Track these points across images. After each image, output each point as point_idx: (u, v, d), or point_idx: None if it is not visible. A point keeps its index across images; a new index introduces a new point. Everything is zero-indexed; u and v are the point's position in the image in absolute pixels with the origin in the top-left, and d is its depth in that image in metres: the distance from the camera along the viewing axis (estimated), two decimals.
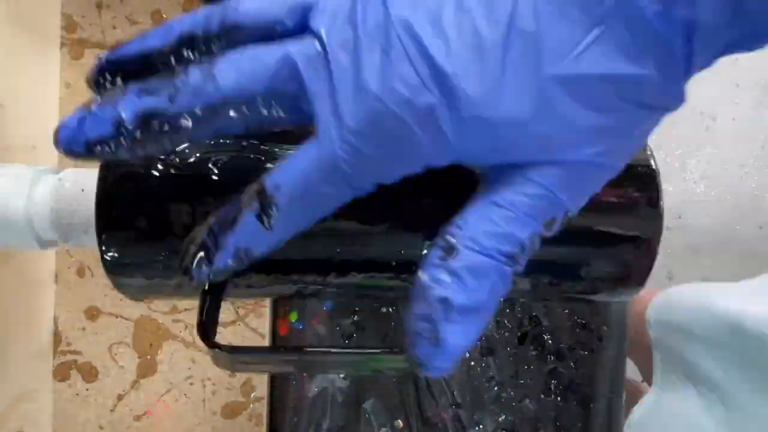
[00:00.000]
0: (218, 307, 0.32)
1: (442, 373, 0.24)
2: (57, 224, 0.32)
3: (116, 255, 0.30)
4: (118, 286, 0.32)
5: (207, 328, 0.31)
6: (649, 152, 0.32)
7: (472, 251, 0.22)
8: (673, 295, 0.49)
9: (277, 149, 0.31)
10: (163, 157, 0.30)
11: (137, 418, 0.52)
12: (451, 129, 0.21)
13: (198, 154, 0.30)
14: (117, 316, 0.51)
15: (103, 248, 0.30)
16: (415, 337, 0.24)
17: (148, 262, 0.31)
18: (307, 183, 0.23)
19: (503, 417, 0.55)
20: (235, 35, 0.24)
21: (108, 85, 0.25)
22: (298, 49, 0.23)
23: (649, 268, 0.31)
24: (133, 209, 0.30)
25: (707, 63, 0.22)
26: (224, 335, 0.51)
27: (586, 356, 0.54)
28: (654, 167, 0.31)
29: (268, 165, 0.30)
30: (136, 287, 0.32)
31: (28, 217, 0.32)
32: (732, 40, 0.21)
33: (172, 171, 0.30)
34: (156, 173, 0.30)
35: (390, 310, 0.55)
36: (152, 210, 0.29)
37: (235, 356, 0.29)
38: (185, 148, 0.31)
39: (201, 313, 0.31)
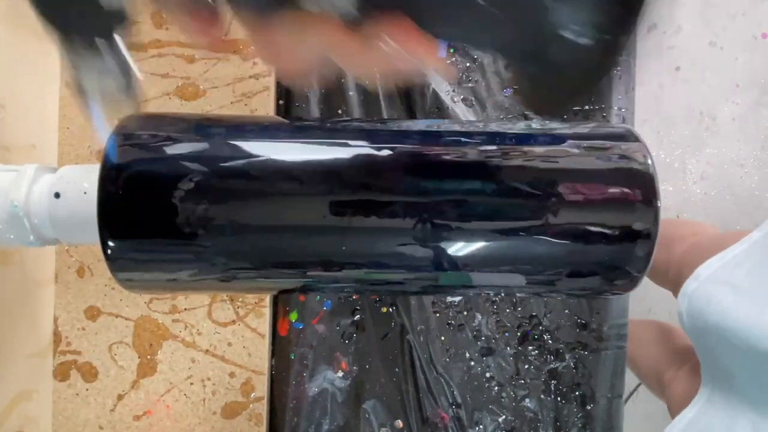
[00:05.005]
0: None
1: None
2: (57, 221, 0.32)
3: (118, 250, 0.30)
4: (121, 281, 0.32)
5: None
6: (645, 150, 0.32)
7: None
8: (702, 300, 0.47)
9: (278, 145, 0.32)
10: (164, 148, 0.30)
11: (137, 418, 0.52)
12: None
13: (201, 146, 0.30)
14: (117, 316, 0.51)
15: (105, 243, 0.30)
16: None
17: (151, 256, 0.31)
18: None
19: (503, 417, 0.55)
20: None
21: None
22: None
23: (647, 263, 0.31)
24: (134, 203, 0.30)
25: None
26: (224, 335, 0.51)
27: (586, 356, 0.55)
28: (650, 164, 0.31)
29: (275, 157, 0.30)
30: (138, 282, 0.32)
31: (27, 214, 0.32)
32: None
33: (173, 164, 0.30)
34: (157, 166, 0.30)
35: (390, 310, 0.55)
36: (154, 204, 0.29)
37: None
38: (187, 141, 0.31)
39: None
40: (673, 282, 0.63)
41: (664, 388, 0.63)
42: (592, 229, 0.30)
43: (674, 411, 0.58)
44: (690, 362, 0.55)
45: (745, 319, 0.42)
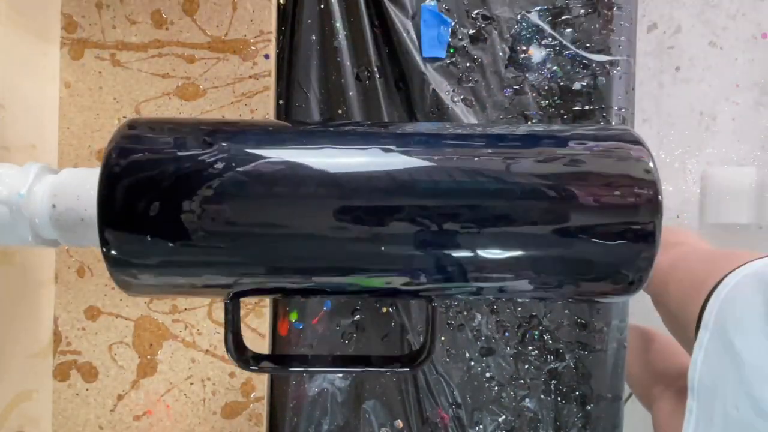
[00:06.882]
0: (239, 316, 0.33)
1: None
2: (57, 223, 0.32)
3: (118, 252, 0.30)
4: (120, 284, 0.32)
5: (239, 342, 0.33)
6: (647, 152, 0.32)
7: None
8: (714, 366, 0.48)
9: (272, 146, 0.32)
10: (164, 153, 0.30)
11: (137, 418, 0.52)
12: None
13: (205, 150, 0.30)
14: (117, 316, 0.51)
15: (105, 245, 0.30)
16: None
17: (153, 260, 0.31)
18: None
19: (503, 417, 0.55)
20: None
21: None
22: None
23: (649, 267, 0.31)
24: (134, 206, 0.30)
25: None
26: (223, 335, 0.51)
27: (586, 356, 0.55)
28: (652, 167, 0.31)
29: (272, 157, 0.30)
30: (137, 284, 0.32)
31: (29, 215, 0.32)
32: None
33: (170, 169, 0.30)
34: (155, 172, 0.30)
35: (390, 310, 0.55)
36: (153, 207, 0.29)
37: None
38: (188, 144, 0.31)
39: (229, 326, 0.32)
40: (654, 291, 0.64)
41: (652, 401, 0.63)
42: (596, 231, 0.30)
43: (658, 429, 0.59)
44: (676, 384, 0.56)
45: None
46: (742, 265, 0.49)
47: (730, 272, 0.49)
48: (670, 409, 0.58)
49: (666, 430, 0.58)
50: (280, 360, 0.36)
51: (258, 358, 0.34)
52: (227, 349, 0.32)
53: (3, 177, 0.32)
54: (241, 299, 0.33)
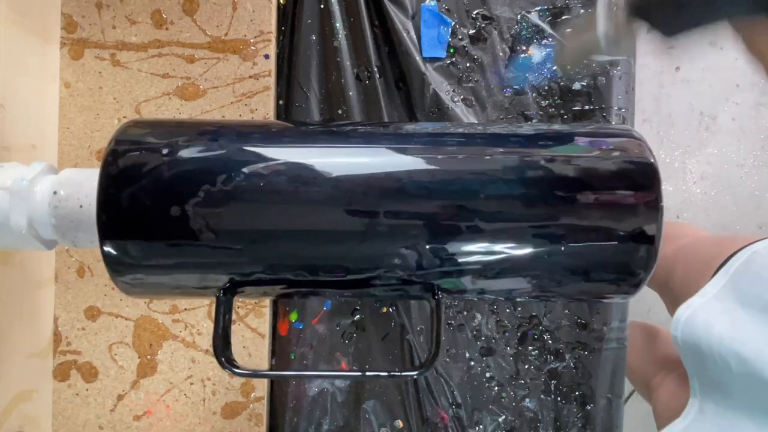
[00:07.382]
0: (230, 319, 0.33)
1: None
2: (57, 224, 0.32)
3: (117, 252, 0.30)
4: (120, 285, 0.32)
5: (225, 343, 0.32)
6: (648, 152, 0.32)
7: None
8: (699, 325, 0.47)
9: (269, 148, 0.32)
10: (164, 153, 0.30)
11: (137, 418, 0.52)
12: None
13: (205, 152, 0.30)
14: (117, 316, 0.51)
15: (104, 245, 0.30)
16: None
17: (153, 261, 0.31)
18: None
19: (503, 417, 0.55)
20: None
21: None
22: None
23: (651, 266, 0.31)
24: (134, 206, 0.30)
25: None
26: None
27: (586, 356, 0.55)
28: (654, 167, 0.31)
29: (265, 165, 0.30)
30: (137, 286, 0.32)
31: (28, 216, 0.32)
32: None
33: (172, 170, 0.30)
34: (156, 172, 0.30)
35: (390, 310, 0.55)
36: (152, 209, 0.29)
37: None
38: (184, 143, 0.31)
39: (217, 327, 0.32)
40: (659, 282, 0.64)
41: (652, 391, 0.63)
42: (597, 231, 0.30)
43: (659, 415, 0.59)
44: (677, 370, 0.55)
45: (742, 346, 0.43)
46: (750, 243, 0.50)
47: (740, 249, 0.50)
48: (671, 392, 0.57)
49: (666, 413, 0.58)
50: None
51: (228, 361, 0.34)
52: (214, 349, 0.32)
53: (8, 169, 0.33)
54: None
